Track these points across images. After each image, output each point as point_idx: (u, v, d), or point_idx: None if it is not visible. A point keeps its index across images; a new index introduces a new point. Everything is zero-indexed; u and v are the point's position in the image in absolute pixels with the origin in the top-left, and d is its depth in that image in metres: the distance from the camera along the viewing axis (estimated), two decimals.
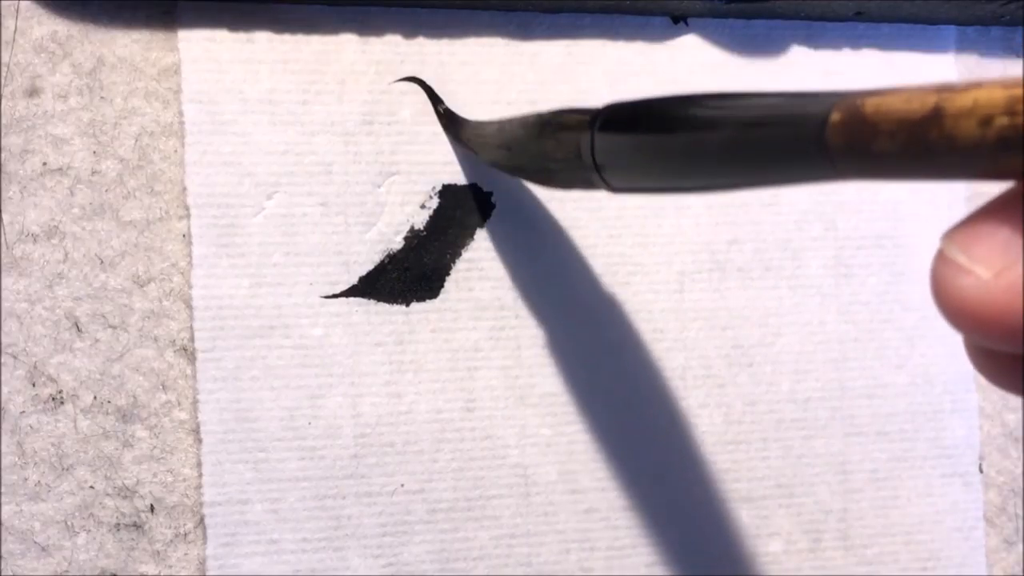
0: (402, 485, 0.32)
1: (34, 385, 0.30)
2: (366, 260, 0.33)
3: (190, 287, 0.31)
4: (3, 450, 0.30)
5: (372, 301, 0.32)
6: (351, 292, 0.32)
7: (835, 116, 0.18)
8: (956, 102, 0.16)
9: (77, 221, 0.31)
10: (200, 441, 0.31)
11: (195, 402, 0.31)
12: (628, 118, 0.24)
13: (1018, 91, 0.15)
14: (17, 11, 0.30)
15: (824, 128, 0.18)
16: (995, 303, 0.17)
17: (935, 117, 0.16)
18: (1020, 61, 0.38)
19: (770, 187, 0.21)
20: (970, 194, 0.37)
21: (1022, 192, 0.17)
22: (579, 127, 0.25)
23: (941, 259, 0.17)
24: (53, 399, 0.30)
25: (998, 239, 0.17)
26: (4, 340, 0.30)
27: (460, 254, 0.33)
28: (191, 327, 0.31)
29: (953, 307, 0.17)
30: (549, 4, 0.33)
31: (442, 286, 0.33)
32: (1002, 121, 0.15)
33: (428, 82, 0.33)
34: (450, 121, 0.33)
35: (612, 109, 0.25)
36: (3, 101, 0.30)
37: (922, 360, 0.36)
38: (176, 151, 0.31)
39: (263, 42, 0.32)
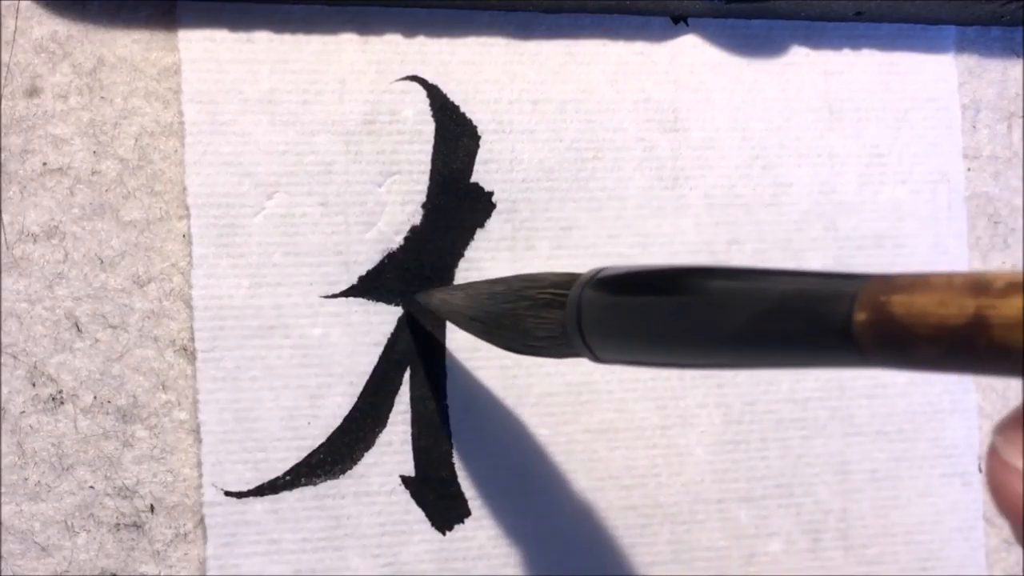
0: (400, 484, 0.32)
1: (34, 385, 0.30)
2: (366, 260, 0.33)
3: (190, 287, 0.31)
4: (3, 450, 0.30)
5: (372, 301, 0.32)
6: (351, 292, 0.32)
7: (860, 316, 0.17)
8: (1001, 311, 0.15)
9: (77, 221, 0.31)
10: (200, 441, 0.31)
11: (195, 402, 0.31)
12: (625, 287, 0.23)
13: None
14: (17, 11, 0.30)
15: (850, 326, 0.17)
16: None
17: (979, 326, 0.15)
18: (1020, 61, 0.38)
19: (787, 369, 0.21)
20: (970, 194, 0.37)
21: None
22: (561, 304, 0.24)
23: (996, 460, 0.17)
24: (53, 399, 0.30)
25: None
26: (4, 340, 0.30)
27: (460, 254, 0.33)
28: (191, 327, 0.31)
29: (1014, 511, 0.16)
30: (549, 4, 0.33)
31: (442, 286, 0.33)
32: None
33: (429, 81, 0.33)
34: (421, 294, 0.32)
35: (605, 279, 0.23)
36: (3, 101, 0.30)
37: None
38: (176, 151, 0.31)
39: (263, 42, 0.32)
